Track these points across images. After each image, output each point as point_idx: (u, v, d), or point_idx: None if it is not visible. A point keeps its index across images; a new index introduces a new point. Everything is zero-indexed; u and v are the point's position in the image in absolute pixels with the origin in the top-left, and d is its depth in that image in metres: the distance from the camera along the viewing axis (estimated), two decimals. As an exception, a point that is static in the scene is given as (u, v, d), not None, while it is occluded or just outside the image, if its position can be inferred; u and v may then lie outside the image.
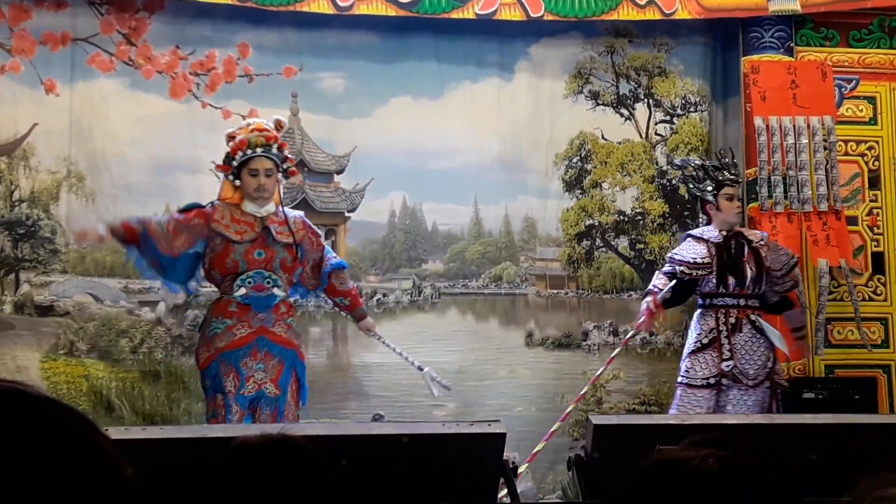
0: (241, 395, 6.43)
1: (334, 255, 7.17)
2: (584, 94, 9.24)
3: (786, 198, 8.69)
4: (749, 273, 7.52)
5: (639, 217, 9.31)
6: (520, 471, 7.78)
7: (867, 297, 8.96)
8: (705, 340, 7.48)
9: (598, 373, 8.02)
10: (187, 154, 8.36)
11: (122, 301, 8.49)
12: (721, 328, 7.45)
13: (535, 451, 7.62)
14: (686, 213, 9.32)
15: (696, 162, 7.86)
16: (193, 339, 7.90)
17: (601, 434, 4.77)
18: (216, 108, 8.35)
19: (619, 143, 9.30)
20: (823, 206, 8.65)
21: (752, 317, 7.51)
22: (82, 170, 8.38)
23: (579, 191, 9.25)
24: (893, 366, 9.01)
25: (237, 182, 6.65)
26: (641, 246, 9.30)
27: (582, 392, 8.04)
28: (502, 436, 4.59)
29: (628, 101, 9.33)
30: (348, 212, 8.94)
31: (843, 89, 9.15)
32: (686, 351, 7.61)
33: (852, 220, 8.98)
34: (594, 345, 9.16)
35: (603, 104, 9.27)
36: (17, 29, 8.17)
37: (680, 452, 2.18)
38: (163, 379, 8.35)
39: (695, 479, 2.06)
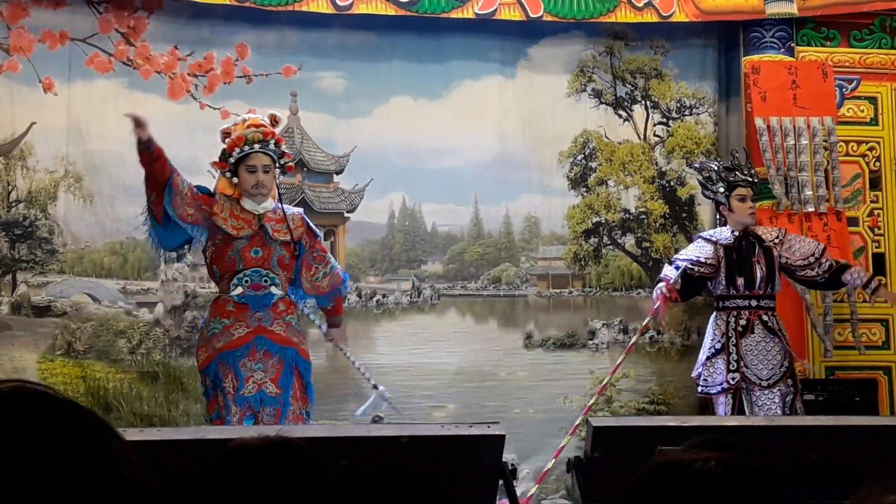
0: (240, 395, 6.41)
1: (338, 268, 7.15)
2: (588, 92, 9.23)
3: (787, 198, 8.68)
4: (759, 273, 7.50)
5: (643, 216, 9.30)
6: (530, 493, 7.79)
7: (867, 299, 8.94)
8: (718, 345, 7.49)
9: (619, 360, 8.00)
10: (185, 155, 8.32)
11: (119, 302, 8.47)
12: (731, 333, 7.44)
13: (546, 469, 7.61)
14: (684, 214, 9.31)
15: (713, 164, 7.83)
16: (192, 340, 7.89)
17: (600, 436, 4.75)
18: (214, 108, 8.33)
19: (620, 144, 9.29)
20: (823, 208, 8.64)
21: (765, 317, 7.49)
22: (80, 170, 8.36)
23: (584, 188, 9.23)
24: (894, 368, 9.00)
25: (234, 179, 6.63)
26: (647, 244, 9.29)
27: (592, 401, 8.03)
28: (501, 438, 4.58)
29: (626, 103, 9.32)
30: (347, 212, 8.93)
31: (844, 89, 9.14)
32: (702, 357, 7.60)
33: (853, 221, 8.97)
34: (603, 343, 9.14)
35: (605, 103, 9.27)
36: (14, 27, 8.15)
37: (681, 455, 2.17)
38: (161, 380, 8.33)
39: (697, 481, 2.05)
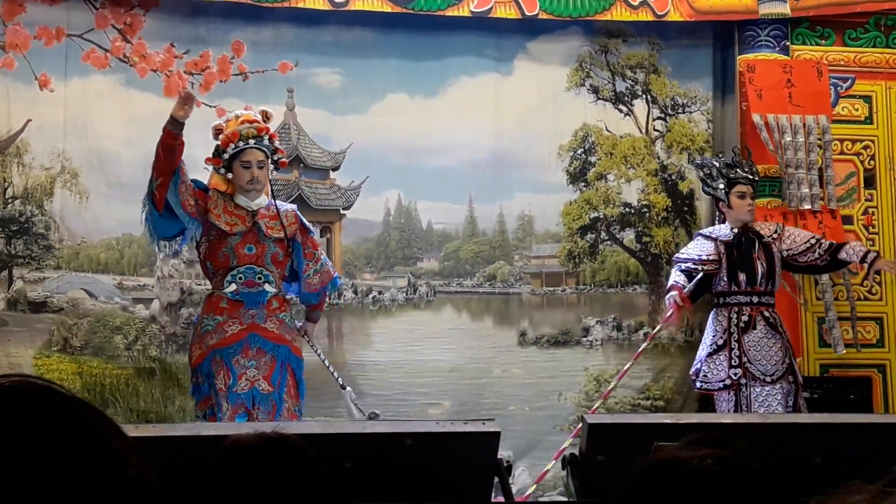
0: (233, 392, 6.40)
1: (331, 266, 7.15)
2: (586, 88, 9.23)
3: (782, 196, 8.70)
4: (760, 269, 7.53)
5: (645, 209, 9.29)
6: (527, 492, 7.80)
7: (862, 297, 8.96)
8: (720, 342, 7.50)
9: (626, 368, 8.04)
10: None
11: (116, 298, 8.48)
12: (733, 329, 7.46)
13: (546, 469, 7.62)
14: (686, 208, 9.31)
15: (714, 161, 7.84)
16: (188, 336, 7.88)
17: (596, 433, 4.76)
18: (210, 106, 8.32)
19: (622, 137, 9.29)
20: (818, 206, 8.65)
21: (767, 314, 7.52)
22: (76, 166, 8.35)
23: (583, 183, 9.22)
24: (888, 365, 9.01)
25: (229, 175, 6.63)
26: (647, 239, 9.29)
27: (597, 405, 8.05)
28: (496, 434, 4.59)
29: (626, 98, 9.32)
30: (344, 209, 8.93)
31: (838, 88, 9.14)
32: (702, 353, 7.61)
33: (848, 220, 8.98)
34: (597, 340, 9.15)
35: (603, 99, 9.26)
36: (10, 24, 8.14)
37: (678, 452, 2.17)
38: (157, 376, 8.33)
39: (693, 479, 2.05)
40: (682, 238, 9.13)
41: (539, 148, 9.17)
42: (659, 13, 8.89)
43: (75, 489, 1.36)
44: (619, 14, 8.88)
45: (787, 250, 7.62)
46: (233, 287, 6.53)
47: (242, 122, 6.66)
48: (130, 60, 8.34)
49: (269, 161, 6.70)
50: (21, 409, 1.41)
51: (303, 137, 8.83)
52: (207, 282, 6.90)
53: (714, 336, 7.55)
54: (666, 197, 9.31)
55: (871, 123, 9.20)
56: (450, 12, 8.59)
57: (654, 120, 9.37)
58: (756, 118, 8.71)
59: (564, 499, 8.21)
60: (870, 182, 9.15)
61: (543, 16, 8.75)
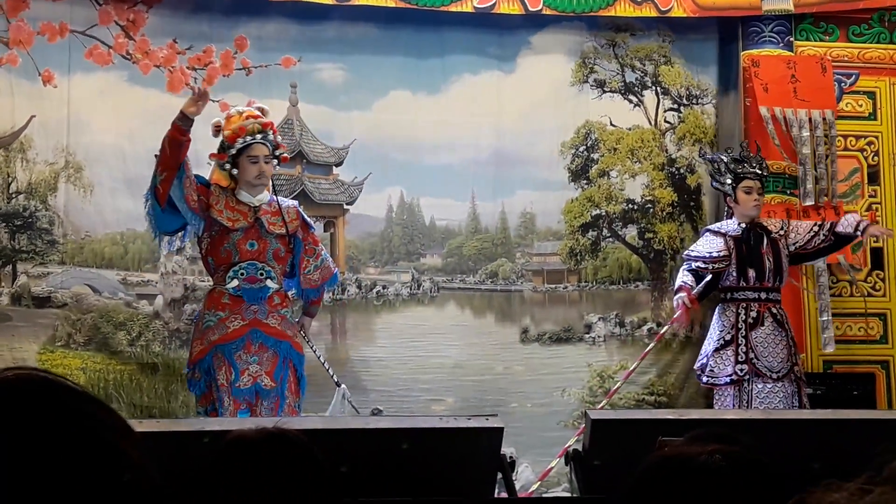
0: (236, 387, 6.40)
1: (331, 262, 7.15)
2: (590, 83, 9.21)
3: (785, 190, 8.71)
4: (768, 264, 7.52)
5: (649, 205, 9.28)
6: (531, 489, 7.81)
7: (866, 293, 8.95)
8: (727, 337, 7.49)
9: (632, 368, 8.07)
10: (185, 147, 8.34)
11: (120, 293, 8.48)
12: (740, 325, 7.46)
13: (550, 466, 7.62)
14: (692, 203, 9.30)
15: (723, 156, 7.84)
16: (191, 332, 7.88)
17: (599, 429, 4.76)
18: (214, 101, 8.31)
19: (629, 129, 9.26)
20: (822, 201, 8.63)
21: (774, 310, 7.52)
22: (80, 161, 8.36)
23: (585, 181, 9.21)
24: (892, 362, 9.00)
25: (235, 171, 6.62)
26: (650, 235, 9.27)
27: (604, 403, 8.06)
28: (500, 430, 4.58)
29: (636, 88, 9.29)
30: (347, 204, 8.93)
31: (842, 84, 9.13)
32: (708, 348, 7.60)
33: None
34: (599, 337, 9.15)
35: (610, 91, 9.24)
36: (14, 20, 8.14)
37: (685, 448, 2.17)
38: (160, 371, 8.34)
39: (701, 475, 2.05)
40: (687, 233, 9.13)
41: (541, 146, 9.16)
42: (663, 9, 8.88)
43: (77, 483, 1.36)
44: (622, 10, 8.87)
45: (794, 244, 7.62)
46: (235, 283, 6.52)
47: (247, 118, 6.66)
48: (133, 57, 8.35)
49: (272, 156, 6.71)
50: (25, 403, 1.41)
51: (306, 133, 8.83)
52: (210, 278, 6.90)
53: (721, 331, 7.54)
54: (672, 191, 9.29)
55: (875, 119, 9.19)
56: (453, 8, 8.59)
57: (665, 111, 9.35)
58: (763, 110, 8.70)
59: (568, 495, 8.23)
60: (873, 178, 9.13)
61: (547, 11, 8.74)
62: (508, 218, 9.20)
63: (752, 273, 7.52)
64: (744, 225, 7.61)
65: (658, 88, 9.33)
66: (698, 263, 7.60)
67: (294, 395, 6.61)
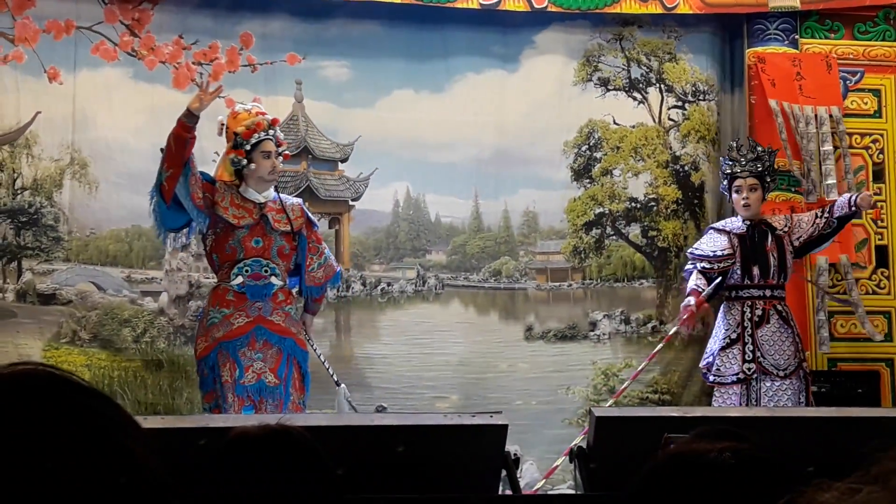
0: (240, 384, 6.41)
1: (334, 260, 7.16)
2: (594, 82, 9.20)
3: (791, 188, 8.70)
4: (773, 261, 7.51)
5: (652, 203, 9.27)
6: (537, 486, 7.81)
7: (871, 291, 8.95)
8: (733, 335, 7.49)
9: (640, 368, 8.08)
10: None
11: (124, 290, 8.49)
12: (746, 323, 7.45)
13: (556, 465, 7.62)
14: (696, 201, 9.29)
15: (723, 158, 7.86)
16: (196, 329, 7.89)
17: (603, 426, 4.76)
18: (221, 97, 8.32)
19: (633, 127, 9.25)
20: (835, 194, 8.56)
21: (779, 307, 7.52)
22: (85, 157, 8.36)
23: (588, 180, 9.20)
24: (896, 360, 9.01)
25: (252, 166, 6.62)
26: (654, 233, 9.26)
27: (611, 403, 8.06)
28: (504, 428, 4.59)
29: (640, 85, 9.28)
30: (352, 200, 8.93)
31: (847, 82, 9.12)
32: (714, 347, 7.59)
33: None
34: (604, 334, 9.14)
35: (614, 88, 9.23)
36: (20, 17, 8.15)
37: (692, 445, 2.16)
38: (165, 368, 8.34)
39: (711, 472, 2.04)
40: (690, 231, 9.12)
41: (543, 145, 9.16)
42: (668, 6, 8.87)
43: (82, 481, 1.36)
44: (628, 6, 8.86)
45: (798, 237, 7.61)
46: (239, 279, 6.53)
47: (257, 114, 6.70)
48: (139, 54, 8.35)
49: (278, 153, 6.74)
50: (29, 398, 1.41)
51: (311, 129, 8.84)
52: (214, 275, 6.90)
53: (727, 330, 7.53)
54: (676, 189, 9.28)
55: (881, 117, 9.18)
56: (459, 4, 8.58)
57: (668, 108, 9.33)
58: (773, 103, 8.69)
59: (573, 492, 8.23)
60: (878, 176, 9.12)
61: (552, 8, 8.74)
62: (511, 216, 9.20)
63: (756, 271, 7.52)
64: (748, 222, 7.61)
65: (662, 85, 9.32)
66: (703, 263, 7.59)
67: (298, 391, 6.62)
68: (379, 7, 8.59)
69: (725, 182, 7.69)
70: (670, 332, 8.08)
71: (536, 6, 8.67)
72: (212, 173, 6.72)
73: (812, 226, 7.62)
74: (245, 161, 6.62)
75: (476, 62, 9.04)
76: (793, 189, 8.76)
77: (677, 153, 9.31)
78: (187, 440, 4.02)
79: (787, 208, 8.50)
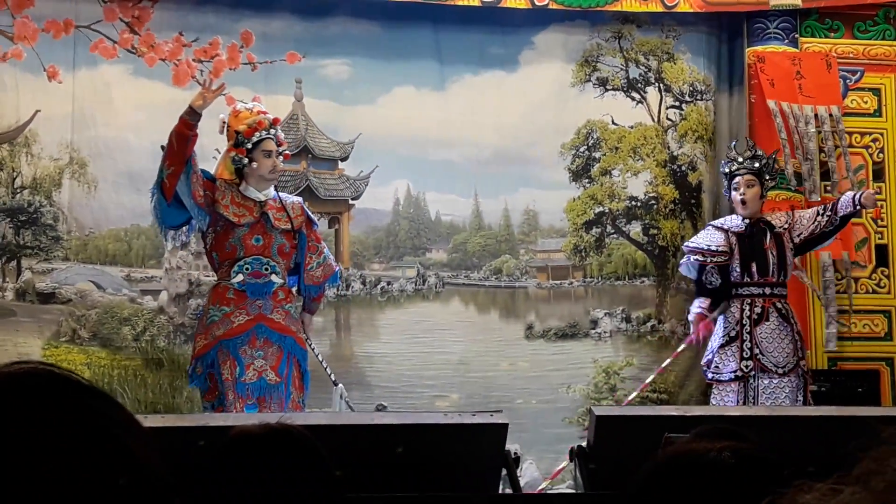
0: (241, 382, 6.40)
1: (333, 259, 7.15)
2: (592, 82, 9.20)
3: (791, 187, 8.70)
4: (771, 259, 7.51)
5: (652, 202, 9.27)
6: (540, 487, 7.81)
7: (871, 290, 8.95)
8: (732, 333, 7.49)
9: (646, 382, 8.16)
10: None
11: (124, 289, 8.49)
12: (745, 321, 7.45)
13: (562, 467, 7.63)
14: (693, 201, 9.29)
15: (723, 160, 7.87)
16: (195, 327, 7.89)
17: (603, 425, 4.76)
18: (222, 94, 8.32)
19: (631, 128, 9.25)
20: (835, 194, 8.56)
21: (779, 305, 7.51)
22: (85, 157, 8.36)
23: (587, 180, 9.20)
24: (896, 358, 9.01)
25: (254, 164, 6.62)
26: (654, 231, 9.26)
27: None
28: (504, 426, 4.59)
29: (639, 85, 9.28)
30: (352, 199, 8.93)
31: (847, 81, 9.12)
32: (713, 344, 7.59)
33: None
34: (605, 332, 9.14)
35: (613, 89, 9.23)
36: (19, 16, 8.14)
37: (692, 445, 2.16)
38: (165, 367, 8.34)
39: (711, 471, 2.04)
40: (687, 230, 9.12)
41: (541, 146, 9.16)
42: (669, 4, 8.87)
43: (82, 481, 1.36)
44: (629, 5, 8.87)
45: (799, 235, 7.61)
46: (240, 277, 6.53)
47: (258, 113, 6.70)
48: (139, 51, 8.34)
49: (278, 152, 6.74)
50: (29, 398, 1.40)
51: (311, 128, 8.83)
52: (214, 273, 6.89)
53: (726, 327, 7.53)
54: (674, 189, 9.28)
55: (880, 116, 9.18)
56: (459, 2, 8.58)
57: (667, 108, 9.33)
58: (771, 104, 8.69)
59: (573, 491, 8.24)
60: (878, 175, 9.12)
61: (553, 6, 8.73)
62: (512, 215, 9.20)
63: (755, 267, 7.52)
64: (747, 220, 7.61)
65: (661, 85, 9.32)
66: (697, 256, 7.58)
67: (298, 390, 6.62)
68: (379, 6, 8.60)
69: (726, 183, 7.71)
70: (678, 350, 8.07)
71: (538, 4, 8.67)
72: (212, 171, 6.71)
73: (814, 223, 7.60)
74: (246, 160, 6.61)
75: (475, 63, 9.04)
76: (793, 188, 8.76)
77: (675, 153, 9.31)
78: (188, 439, 4.02)
79: (787, 207, 8.49)
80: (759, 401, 7.33)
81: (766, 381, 7.39)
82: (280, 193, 6.82)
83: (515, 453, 4.83)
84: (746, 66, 9.05)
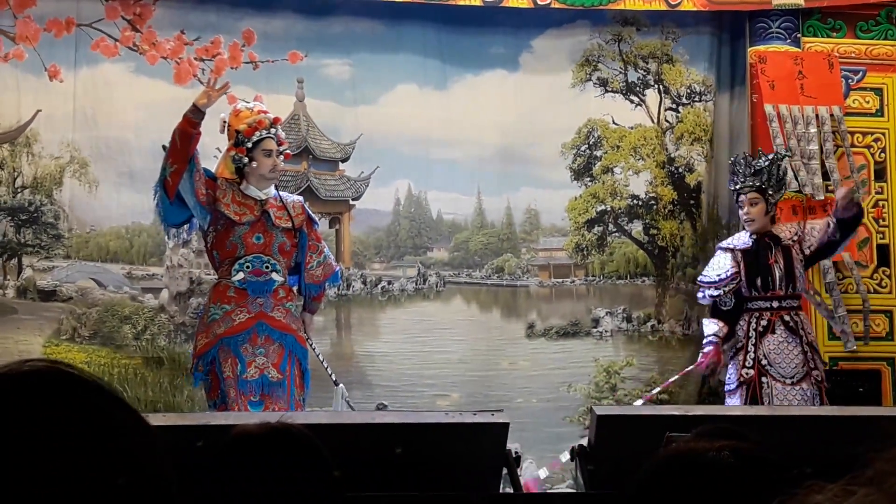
0: (242, 379, 6.40)
1: (333, 259, 7.15)
2: (593, 82, 9.20)
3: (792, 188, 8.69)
4: (777, 273, 7.51)
5: (652, 202, 9.27)
6: (542, 477, 7.80)
7: (872, 290, 8.94)
8: (738, 345, 7.51)
9: (655, 391, 8.11)
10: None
11: (125, 287, 8.49)
12: (751, 333, 7.46)
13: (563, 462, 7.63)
14: (692, 202, 9.29)
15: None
16: (196, 326, 7.89)
17: (604, 424, 4.76)
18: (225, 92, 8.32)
19: (631, 128, 9.25)
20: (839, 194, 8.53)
21: (787, 318, 7.49)
22: (86, 156, 8.36)
23: (588, 178, 9.20)
24: (898, 358, 9.01)
25: (254, 164, 6.62)
26: (655, 231, 9.26)
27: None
28: (505, 426, 4.59)
29: (637, 88, 9.29)
30: (353, 200, 8.93)
31: (849, 81, 9.11)
32: (726, 359, 7.61)
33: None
34: (606, 331, 9.14)
35: (612, 90, 9.23)
36: (21, 16, 8.14)
37: (693, 444, 2.16)
38: (165, 366, 8.34)
39: (711, 471, 2.04)
40: (686, 231, 9.14)
41: (543, 145, 9.17)
42: (672, 3, 8.86)
43: (88, 480, 1.36)
44: (632, 3, 8.86)
45: (809, 246, 7.59)
46: (240, 276, 6.52)
47: (259, 112, 6.69)
48: (140, 49, 8.34)
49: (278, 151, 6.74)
50: (37, 397, 1.40)
51: (312, 128, 8.83)
52: (215, 271, 6.89)
53: (735, 341, 7.56)
54: (672, 190, 9.29)
55: (882, 116, 9.18)
56: (461, 2, 8.58)
57: (665, 110, 9.34)
58: (768, 108, 8.70)
59: (573, 491, 8.23)
60: (880, 175, 9.12)
61: (556, 5, 8.73)
62: (514, 214, 9.20)
63: (759, 283, 7.51)
64: (754, 236, 7.60)
65: (661, 87, 9.32)
66: (710, 290, 7.62)
67: (298, 389, 6.62)
68: (381, 5, 8.60)
69: (735, 197, 7.73)
70: (687, 369, 8.04)
71: (540, 3, 8.66)
72: (213, 169, 6.71)
73: (824, 233, 7.57)
74: (246, 159, 6.61)
75: (476, 63, 9.04)
76: (792, 190, 8.74)
77: (672, 155, 9.31)
78: (189, 438, 4.02)
79: (788, 208, 8.50)
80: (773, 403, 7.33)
81: (779, 387, 7.39)
82: (281, 192, 6.81)
83: (516, 452, 4.82)
84: (748, 65, 9.04)
